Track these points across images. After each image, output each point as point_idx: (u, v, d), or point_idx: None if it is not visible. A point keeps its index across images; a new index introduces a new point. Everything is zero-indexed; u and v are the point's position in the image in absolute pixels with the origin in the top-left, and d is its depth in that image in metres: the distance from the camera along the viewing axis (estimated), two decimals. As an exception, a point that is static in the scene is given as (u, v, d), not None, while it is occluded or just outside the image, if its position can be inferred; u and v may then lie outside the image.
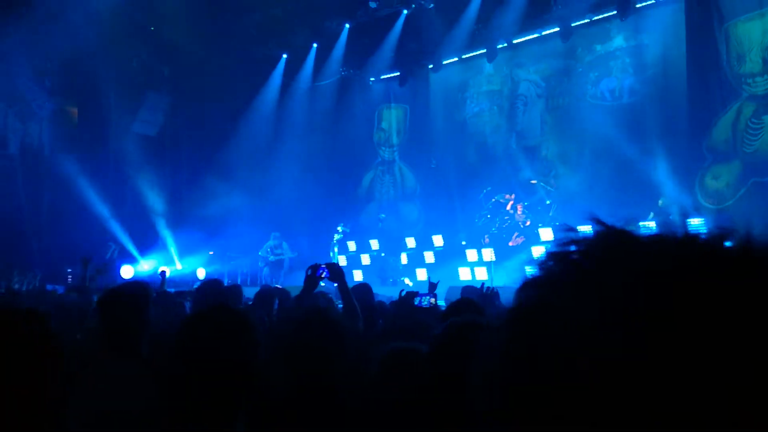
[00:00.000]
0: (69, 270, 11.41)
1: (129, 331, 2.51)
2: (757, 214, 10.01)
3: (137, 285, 2.83)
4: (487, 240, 12.16)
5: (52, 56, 12.73)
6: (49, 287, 9.00)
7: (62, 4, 11.90)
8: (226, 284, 5.91)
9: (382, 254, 13.04)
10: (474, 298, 4.89)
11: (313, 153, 14.72)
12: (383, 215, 13.43)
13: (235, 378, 1.77)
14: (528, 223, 12.13)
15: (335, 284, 3.84)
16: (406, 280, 12.46)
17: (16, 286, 7.20)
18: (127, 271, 12.47)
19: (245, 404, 1.80)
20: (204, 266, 13.28)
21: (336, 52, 14.82)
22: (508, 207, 12.20)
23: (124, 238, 13.13)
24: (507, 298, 8.77)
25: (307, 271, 3.96)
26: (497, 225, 12.28)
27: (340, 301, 4.82)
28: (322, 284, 4.02)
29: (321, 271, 3.91)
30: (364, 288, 4.93)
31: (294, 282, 12.46)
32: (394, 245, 13.31)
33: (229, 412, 1.76)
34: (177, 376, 1.80)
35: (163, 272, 7.40)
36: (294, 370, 2.36)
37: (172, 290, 7.82)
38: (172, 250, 13.62)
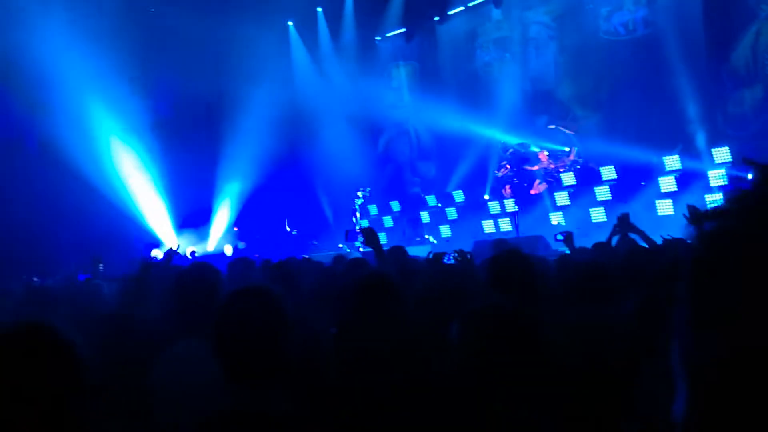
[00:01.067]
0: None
1: (201, 311, 2.63)
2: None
3: (207, 266, 2.98)
4: (508, 190, 12.05)
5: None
6: (81, 277, 9.18)
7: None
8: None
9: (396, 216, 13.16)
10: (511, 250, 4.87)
11: (328, 119, 14.59)
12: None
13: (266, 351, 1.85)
14: (552, 166, 11.99)
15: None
16: (430, 238, 12.47)
17: (37, 280, 7.33)
18: (156, 254, 12.65)
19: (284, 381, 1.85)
20: (231, 243, 13.42)
21: (343, 13, 14.58)
22: (541, 158, 12.05)
23: (152, 221, 13.30)
24: (527, 246, 8.72)
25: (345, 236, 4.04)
26: (517, 174, 12.16)
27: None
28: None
29: (353, 235, 3.97)
30: (398, 251, 4.92)
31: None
32: (416, 205, 13.31)
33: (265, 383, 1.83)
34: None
35: (192, 252, 7.51)
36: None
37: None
38: (212, 228, 13.80)
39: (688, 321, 0.72)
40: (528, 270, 2.89)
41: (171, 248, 4.83)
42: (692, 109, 10.61)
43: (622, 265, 3.39)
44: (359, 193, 12.92)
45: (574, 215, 10.86)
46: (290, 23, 15.20)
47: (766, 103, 10.47)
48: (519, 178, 12.17)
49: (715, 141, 10.21)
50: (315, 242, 13.34)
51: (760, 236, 0.68)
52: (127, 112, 12.91)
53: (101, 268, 11.09)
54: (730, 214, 0.72)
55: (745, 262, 0.67)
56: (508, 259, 2.95)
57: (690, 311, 0.73)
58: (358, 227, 10.99)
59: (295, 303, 3.63)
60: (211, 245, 13.46)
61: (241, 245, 13.30)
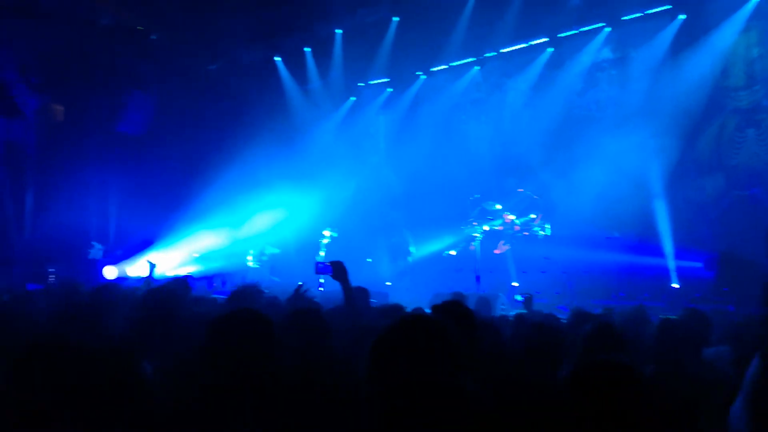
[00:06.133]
0: (51, 270, 11.25)
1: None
2: (740, 227, 10.15)
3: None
4: (472, 248, 12.17)
5: (37, 53, 12.62)
6: (29, 287, 8.88)
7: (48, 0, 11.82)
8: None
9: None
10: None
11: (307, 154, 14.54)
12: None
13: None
14: (516, 228, 12.17)
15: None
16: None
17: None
18: (110, 272, 12.34)
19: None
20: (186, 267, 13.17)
21: (329, 57, 14.80)
22: (506, 218, 12.21)
23: (109, 238, 13.00)
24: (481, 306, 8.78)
25: (296, 291, 3.99)
26: (482, 232, 12.27)
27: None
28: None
29: (323, 268, 3.93)
30: (360, 293, 4.89)
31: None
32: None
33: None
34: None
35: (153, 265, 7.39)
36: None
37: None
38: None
39: None
40: (466, 321, 2.92)
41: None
42: (654, 192, 10.96)
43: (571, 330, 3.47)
44: (325, 233, 12.85)
45: (534, 278, 11.02)
46: (278, 59, 15.39)
47: (725, 193, 10.91)
48: (484, 235, 12.29)
49: (674, 225, 10.56)
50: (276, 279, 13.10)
51: None
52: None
53: (51, 279, 10.76)
54: None
55: None
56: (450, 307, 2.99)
57: None
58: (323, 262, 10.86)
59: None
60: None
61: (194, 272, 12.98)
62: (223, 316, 1.91)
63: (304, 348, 2.51)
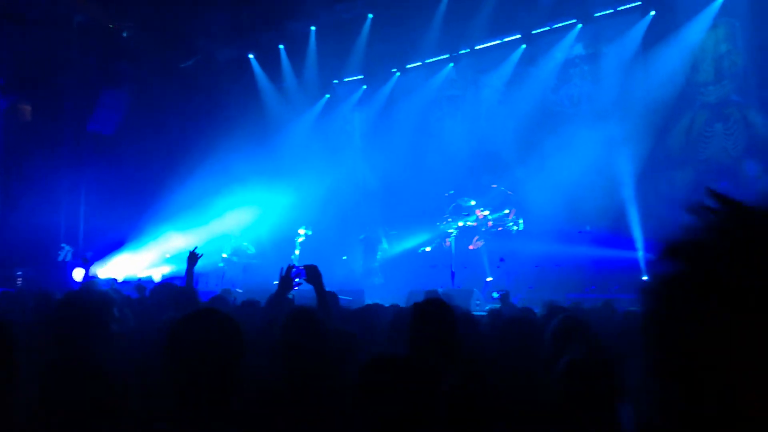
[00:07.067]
0: (19, 273, 11.03)
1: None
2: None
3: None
4: (448, 243, 12.20)
5: (5, 53, 12.36)
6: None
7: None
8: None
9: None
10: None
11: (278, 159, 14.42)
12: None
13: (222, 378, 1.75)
14: (490, 224, 12.22)
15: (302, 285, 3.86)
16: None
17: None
18: (78, 274, 12.10)
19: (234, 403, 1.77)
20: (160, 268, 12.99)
21: (304, 54, 14.71)
22: (479, 215, 12.25)
23: (79, 240, 12.77)
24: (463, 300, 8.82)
25: (281, 272, 3.92)
26: (457, 228, 12.29)
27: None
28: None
29: (297, 272, 3.87)
30: (330, 297, 4.86)
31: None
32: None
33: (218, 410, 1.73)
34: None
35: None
36: (285, 367, 2.36)
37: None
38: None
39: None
40: (447, 318, 2.91)
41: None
42: (626, 187, 11.07)
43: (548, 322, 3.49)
44: (300, 231, 12.78)
45: (510, 274, 11.08)
46: (251, 56, 15.26)
47: (695, 186, 11.06)
48: (459, 231, 12.32)
49: (644, 219, 10.68)
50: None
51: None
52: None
53: (19, 282, 10.55)
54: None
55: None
56: (429, 307, 2.98)
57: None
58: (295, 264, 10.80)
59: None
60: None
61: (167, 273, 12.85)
62: (183, 317, 1.86)
63: (299, 349, 2.50)
